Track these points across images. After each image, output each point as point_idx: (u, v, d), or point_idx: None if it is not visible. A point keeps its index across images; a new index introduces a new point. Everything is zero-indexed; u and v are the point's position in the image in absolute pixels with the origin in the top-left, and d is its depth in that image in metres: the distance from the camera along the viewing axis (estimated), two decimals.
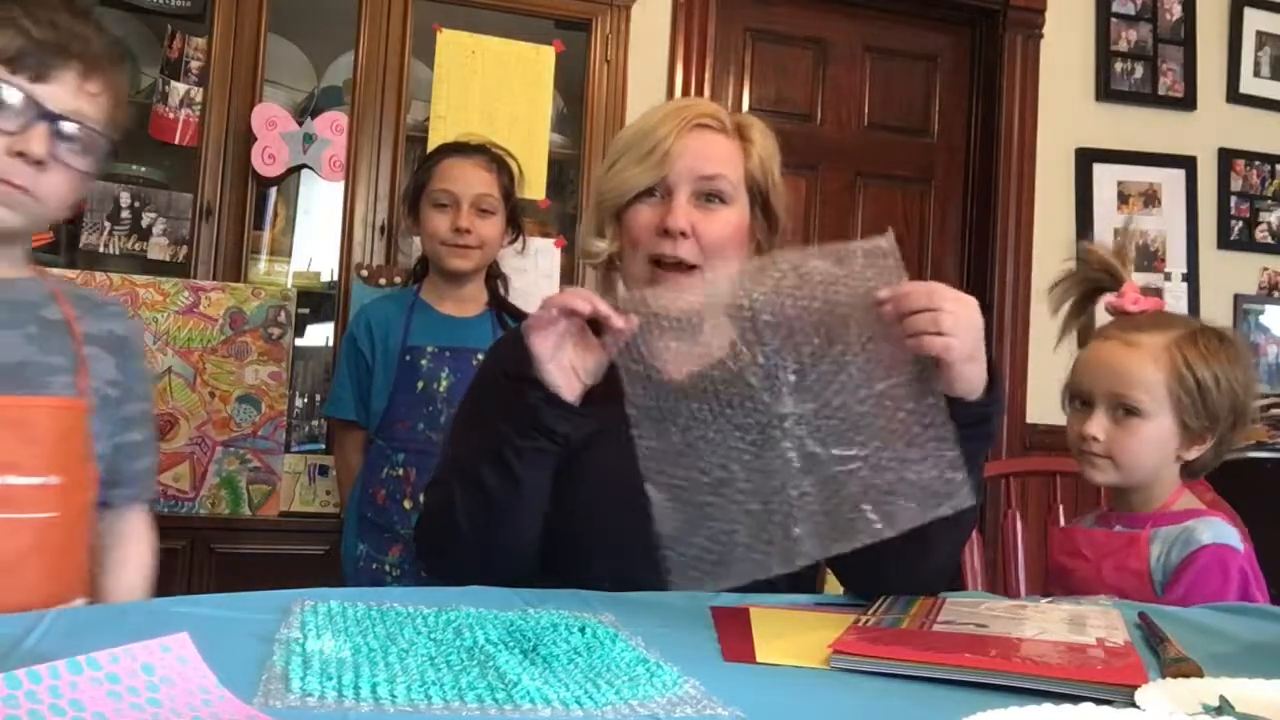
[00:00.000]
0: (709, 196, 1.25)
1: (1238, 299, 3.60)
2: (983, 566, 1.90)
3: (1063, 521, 1.75)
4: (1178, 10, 3.58)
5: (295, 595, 0.97)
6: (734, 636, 0.95)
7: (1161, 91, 3.55)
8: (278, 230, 2.86)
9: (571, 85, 2.91)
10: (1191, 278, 3.54)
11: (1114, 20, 3.52)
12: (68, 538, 1.14)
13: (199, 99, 2.62)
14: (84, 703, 0.59)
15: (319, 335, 2.93)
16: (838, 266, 1.05)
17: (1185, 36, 3.57)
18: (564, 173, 2.97)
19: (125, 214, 2.61)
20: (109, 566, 1.24)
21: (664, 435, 1.05)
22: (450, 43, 2.73)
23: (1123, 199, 3.51)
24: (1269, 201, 3.66)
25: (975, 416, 1.07)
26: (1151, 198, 3.54)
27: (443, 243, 2.10)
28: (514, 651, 0.83)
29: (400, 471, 2.08)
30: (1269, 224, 3.65)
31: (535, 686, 0.73)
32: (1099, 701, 0.68)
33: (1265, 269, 3.65)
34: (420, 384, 2.09)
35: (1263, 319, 3.63)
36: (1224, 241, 3.60)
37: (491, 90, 2.75)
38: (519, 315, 2.19)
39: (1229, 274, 3.60)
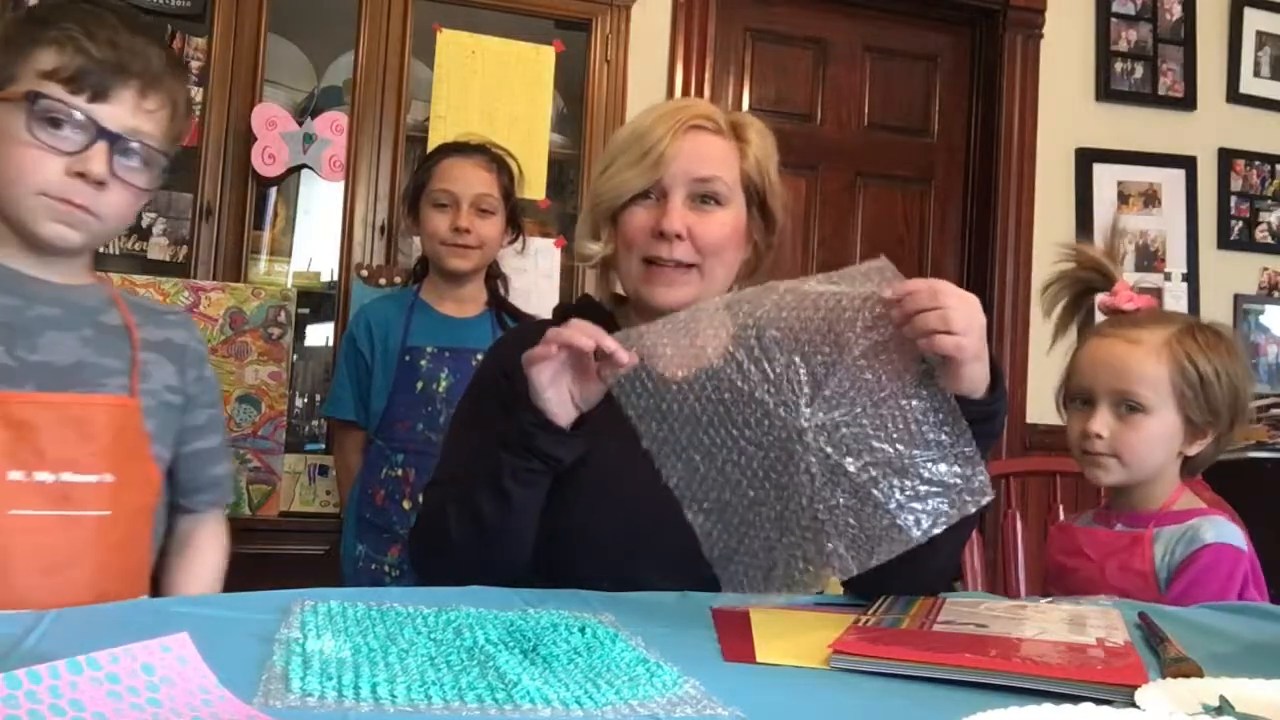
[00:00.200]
0: (704, 198, 1.25)
1: (1238, 299, 3.60)
2: (983, 566, 1.90)
3: (1062, 520, 1.75)
4: (1178, 10, 3.58)
5: (295, 595, 0.97)
6: (734, 636, 0.95)
7: (1161, 91, 3.55)
8: (278, 230, 2.86)
9: (571, 85, 2.91)
10: (1191, 278, 3.55)
11: (1114, 20, 3.52)
12: (122, 536, 1.16)
13: (199, 99, 2.62)
14: (84, 703, 0.59)
15: (319, 335, 2.93)
16: (835, 286, 1.05)
17: (1185, 36, 3.57)
18: (564, 173, 2.97)
19: None
20: (183, 568, 1.28)
21: (689, 464, 1.04)
22: (450, 43, 2.73)
23: (1123, 199, 3.51)
24: (1269, 201, 3.66)
25: (980, 414, 1.07)
26: (1151, 198, 3.54)
27: (442, 242, 2.10)
28: (514, 651, 0.83)
29: (399, 472, 2.08)
30: (1269, 224, 3.65)
31: (535, 686, 0.73)
32: (1099, 701, 0.68)
33: (1265, 269, 3.65)
34: (420, 384, 2.09)
35: (1263, 319, 3.63)
36: (1224, 241, 3.60)
37: (491, 90, 2.75)
38: (519, 315, 2.19)
39: (1229, 274, 3.60)
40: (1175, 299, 3.47)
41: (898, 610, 1.06)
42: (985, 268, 3.41)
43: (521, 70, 2.78)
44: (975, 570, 1.86)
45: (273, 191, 2.83)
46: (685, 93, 3.09)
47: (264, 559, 2.44)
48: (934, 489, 1.02)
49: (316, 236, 2.88)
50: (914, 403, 1.04)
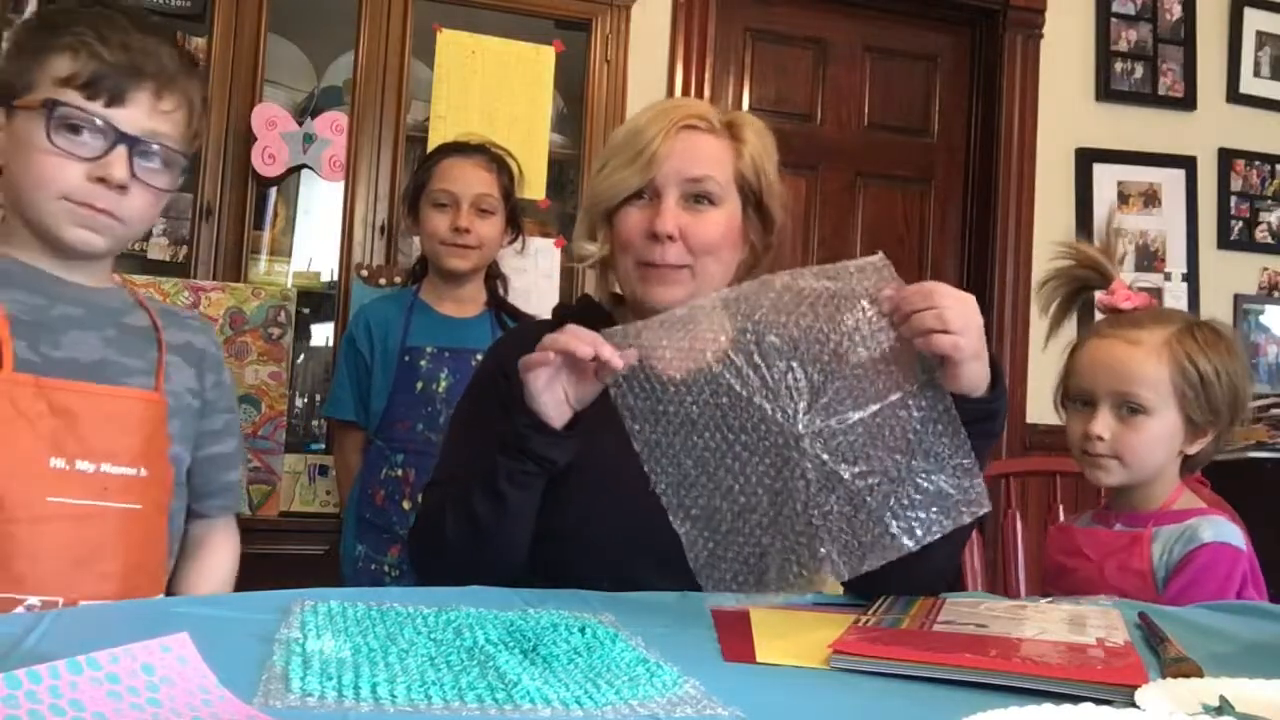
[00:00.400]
0: (697, 198, 1.25)
1: (1238, 299, 3.60)
2: (983, 566, 1.90)
3: (1061, 520, 1.75)
4: (1178, 10, 3.58)
5: (295, 595, 0.97)
6: (734, 636, 0.95)
7: (1161, 91, 3.55)
8: (278, 230, 2.86)
9: (571, 85, 2.91)
10: (1191, 278, 3.55)
11: (1114, 20, 3.52)
12: (148, 531, 1.17)
13: None
14: (84, 703, 0.59)
15: (319, 335, 2.93)
16: (832, 283, 1.05)
17: (1185, 36, 3.57)
18: (564, 173, 2.97)
19: None
20: (196, 571, 1.29)
21: (679, 469, 1.05)
22: (450, 43, 2.73)
23: (1123, 199, 3.51)
24: (1269, 201, 3.66)
25: (980, 413, 1.07)
26: (1151, 198, 3.54)
27: (442, 242, 2.10)
28: (514, 651, 0.83)
29: (399, 472, 2.08)
30: (1269, 224, 3.65)
31: (535, 686, 0.73)
32: (1099, 701, 0.68)
33: (1265, 269, 3.65)
34: (419, 384, 2.09)
35: (1263, 319, 3.63)
36: (1224, 241, 3.60)
37: (491, 90, 2.75)
38: (518, 315, 2.19)
39: (1229, 274, 3.60)
40: (1175, 299, 3.47)
41: (898, 610, 1.06)
42: (985, 268, 3.41)
43: (521, 70, 2.78)
44: (975, 570, 1.86)
45: (273, 191, 2.83)
46: (685, 93, 3.09)
47: (264, 559, 2.42)
48: (929, 499, 1.02)
49: (316, 236, 2.88)
50: (913, 412, 1.04)
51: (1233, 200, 3.61)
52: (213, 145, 2.59)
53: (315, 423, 2.79)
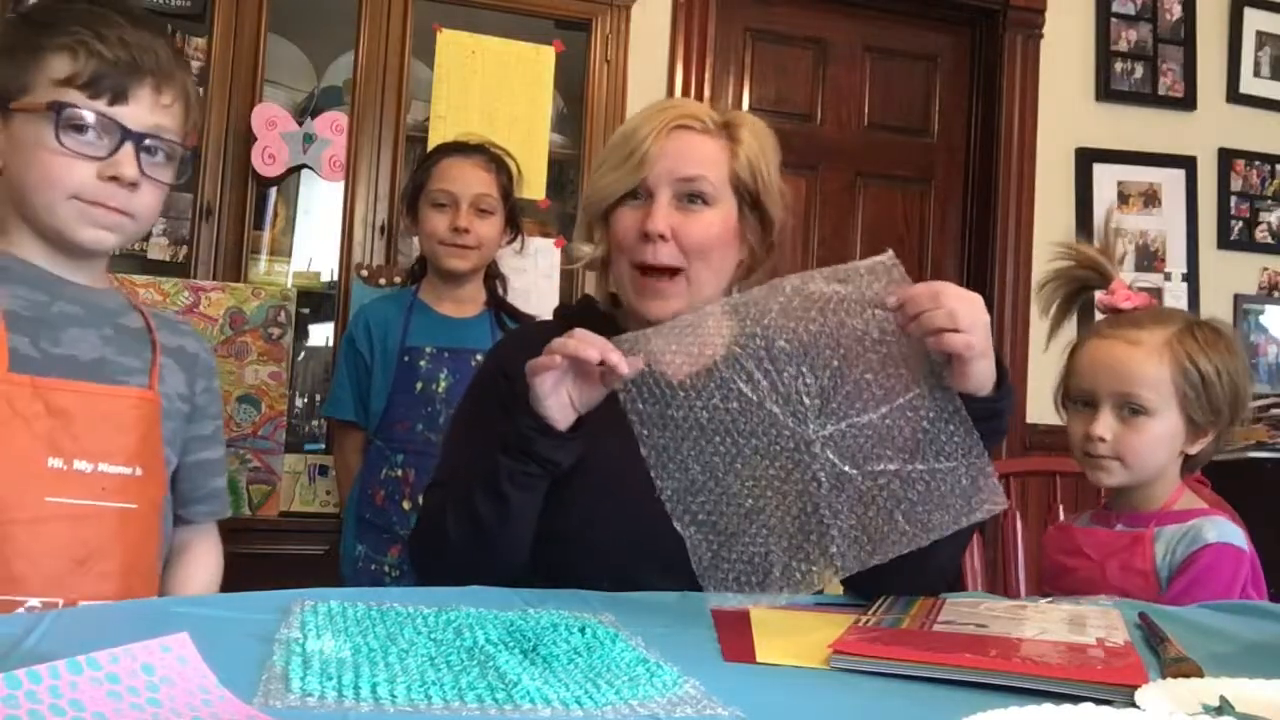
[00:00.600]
0: (690, 198, 1.25)
1: (1238, 299, 3.60)
2: (983, 566, 1.90)
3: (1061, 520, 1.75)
4: (1178, 10, 3.58)
5: (295, 595, 0.97)
6: (734, 636, 0.95)
7: (1161, 91, 3.55)
8: (278, 230, 2.86)
9: (571, 85, 2.91)
10: (1191, 278, 3.54)
11: (1114, 20, 3.52)
12: (143, 531, 1.18)
13: None
14: (84, 703, 0.59)
15: (319, 335, 2.93)
16: (842, 285, 1.05)
17: (1185, 36, 3.57)
18: (564, 173, 2.97)
19: None
20: (181, 576, 1.29)
21: (686, 474, 1.04)
22: (450, 43, 2.73)
23: (1123, 199, 3.51)
24: (1269, 201, 3.66)
25: (987, 411, 1.08)
26: (1151, 198, 3.54)
27: (441, 242, 2.10)
28: (514, 651, 0.83)
29: (399, 472, 2.08)
30: (1269, 224, 3.65)
31: (535, 686, 0.73)
32: (1099, 701, 0.68)
33: (1265, 269, 3.65)
34: (419, 385, 2.09)
35: (1263, 319, 3.63)
36: (1224, 241, 3.60)
37: (491, 90, 2.75)
38: (518, 315, 2.19)
39: (1229, 274, 3.60)
40: (1175, 299, 3.47)
41: (898, 610, 1.06)
42: (985, 268, 3.41)
43: (521, 70, 2.78)
44: (975, 570, 1.85)
45: (273, 191, 2.83)
46: (685, 93, 3.09)
47: (264, 559, 2.44)
48: (942, 498, 1.02)
49: (316, 236, 2.88)
50: (923, 412, 1.04)
51: (1233, 200, 3.61)
52: (213, 145, 2.60)
53: (315, 423, 2.79)
